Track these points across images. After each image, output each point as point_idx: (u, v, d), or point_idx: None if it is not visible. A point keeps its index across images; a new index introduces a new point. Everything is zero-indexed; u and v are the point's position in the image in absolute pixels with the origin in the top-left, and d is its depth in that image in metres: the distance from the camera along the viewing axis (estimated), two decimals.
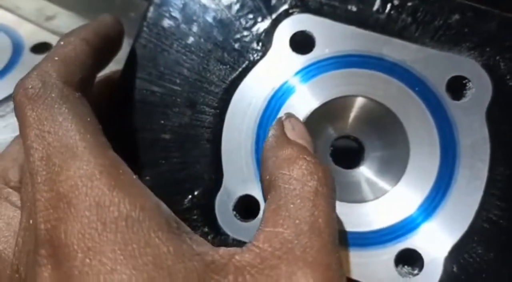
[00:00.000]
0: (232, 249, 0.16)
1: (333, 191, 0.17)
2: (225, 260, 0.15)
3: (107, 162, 0.16)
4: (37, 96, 0.17)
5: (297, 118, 0.20)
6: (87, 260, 0.14)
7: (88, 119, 0.17)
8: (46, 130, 0.16)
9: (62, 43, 0.20)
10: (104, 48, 0.21)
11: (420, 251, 0.20)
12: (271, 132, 0.19)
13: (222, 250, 0.16)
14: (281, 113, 0.22)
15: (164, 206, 0.16)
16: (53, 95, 0.17)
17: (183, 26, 0.23)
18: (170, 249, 0.14)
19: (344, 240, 0.20)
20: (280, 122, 0.20)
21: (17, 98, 0.17)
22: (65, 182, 0.15)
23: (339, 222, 0.21)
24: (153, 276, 0.14)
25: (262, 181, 0.18)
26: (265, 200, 0.17)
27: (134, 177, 0.16)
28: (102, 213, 0.14)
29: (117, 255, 0.14)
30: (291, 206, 0.16)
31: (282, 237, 0.15)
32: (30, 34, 0.35)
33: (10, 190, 0.20)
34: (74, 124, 0.16)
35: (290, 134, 0.19)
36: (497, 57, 0.21)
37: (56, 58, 0.18)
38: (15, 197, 0.20)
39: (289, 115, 0.20)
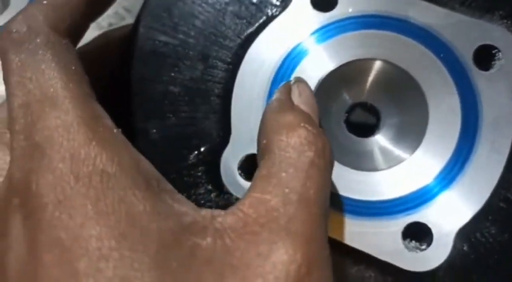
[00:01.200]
0: (215, 211, 0.15)
1: (331, 165, 0.16)
2: (206, 221, 0.14)
3: (87, 114, 0.15)
4: (21, 41, 0.16)
5: (306, 84, 0.19)
6: (57, 213, 0.13)
7: (73, 68, 0.17)
8: (27, 77, 0.16)
9: None
10: None
11: (430, 225, 0.19)
12: (276, 95, 0.19)
13: (205, 211, 0.15)
14: (295, 74, 0.21)
15: (145, 163, 0.16)
16: (37, 40, 0.16)
17: None
18: (146, 207, 0.14)
19: (350, 208, 0.19)
20: (288, 86, 0.19)
21: (1, 42, 0.17)
22: (41, 131, 0.15)
23: (347, 188, 0.20)
24: (125, 234, 0.13)
25: (258, 145, 0.17)
26: (258, 163, 0.16)
27: (116, 130, 0.16)
28: (76, 166, 0.14)
29: (88, 210, 0.13)
30: (283, 174, 0.15)
31: (268, 205, 0.15)
32: None
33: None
34: (56, 72, 0.16)
35: (295, 100, 0.18)
36: None
37: (44, 2, 0.18)
38: None
39: (299, 80, 0.19)
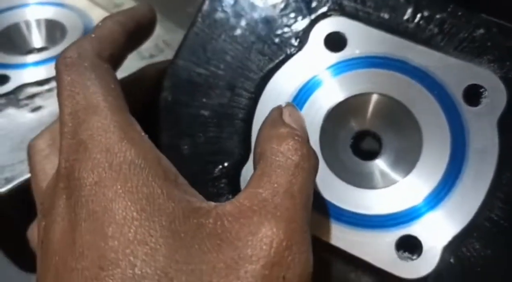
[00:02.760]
0: (217, 203, 0.18)
1: (314, 168, 0.19)
2: (210, 208, 0.18)
3: (121, 119, 0.19)
4: (73, 64, 0.20)
5: (295, 107, 0.23)
6: (93, 191, 0.17)
7: (112, 86, 0.21)
8: (76, 91, 0.19)
9: (100, 24, 0.23)
10: (136, 31, 0.24)
11: (420, 238, 0.22)
12: (269, 115, 0.22)
13: (210, 202, 0.18)
14: (308, 104, 0.24)
15: (166, 161, 0.19)
16: (85, 64, 0.20)
17: (232, 19, 0.26)
18: (163, 191, 0.17)
19: (352, 220, 0.22)
20: (279, 108, 0.22)
21: (57, 65, 0.21)
22: (85, 131, 0.18)
23: (349, 203, 0.23)
24: (145, 209, 0.16)
25: (254, 153, 0.21)
26: (254, 168, 0.20)
27: (143, 134, 0.20)
28: (110, 157, 0.17)
29: (117, 189, 0.17)
30: (273, 172, 0.18)
31: (260, 196, 0.18)
32: (100, 18, 0.39)
33: None
34: (99, 88, 0.20)
35: (286, 119, 0.21)
36: None
37: (93, 36, 0.22)
38: None
39: (289, 104, 0.23)
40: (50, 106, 0.32)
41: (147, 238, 0.16)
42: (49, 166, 0.22)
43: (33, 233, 0.24)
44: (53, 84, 0.34)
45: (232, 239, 0.17)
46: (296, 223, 0.17)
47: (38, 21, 0.41)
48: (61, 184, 0.18)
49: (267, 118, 0.22)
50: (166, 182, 0.18)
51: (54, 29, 0.40)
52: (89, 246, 0.16)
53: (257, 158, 0.20)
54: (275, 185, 0.18)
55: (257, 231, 0.17)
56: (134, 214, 0.16)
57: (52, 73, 0.35)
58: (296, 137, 0.19)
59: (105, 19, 0.24)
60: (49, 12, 0.41)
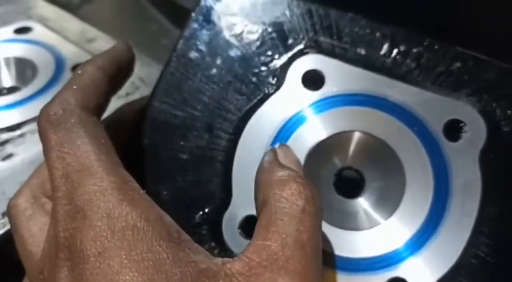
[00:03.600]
0: (225, 259, 0.18)
1: (320, 210, 0.19)
2: (217, 268, 0.17)
3: (118, 179, 0.18)
4: (58, 121, 0.19)
5: (288, 147, 0.22)
6: (98, 263, 0.16)
7: (102, 141, 0.20)
8: (65, 152, 0.19)
9: (79, 72, 0.22)
10: (117, 74, 0.23)
11: (408, 280, 0.21)
12: (265, 158, 0.21)
13: (216, 259, 0.18)
14: (289, 142, 0.24)
15: (167, 217, 0.18)
16: (72, 120, 0.19)
17: (207, 58, 0.26)
18: (169, 255, 0.17)
19: (337, 263, 0.22)
20: (274, 150, 0.22)
21: (41, 123, 0.20)
22: (81, 196, 0.17)
23: (333, 246, 0.22)
24: (153, 278, 0.16)
25: (256, 201, 0.20)
26: (257, 216, 0.19)
27: (142, 191, 0.19)
28: (111, 223, 0.17)
29: (122, 259, 0.16)
30: (280, 221, 0.18)
31: (269, 249, 0.17)
32: (72, 54, 0.38)
33: (47, 200, 0.22)
34: (90, 146, 0.19)
35: (282, 160, 0.21)
36: (493, 104, 0.23)
37: (75, 87, 0.21)
38: (50, 206, 0.23)
39: (282, 145, 0.23)
40: (22, 153, 0.31)
41: None
42: (35, 227, 0.21)
43: None
44: (25, 129, 0.33)
45: None
46: (310, 276, 0.17)
47: (7, 60, 0.40)
48: (61, 254, 0.17)
49: (262, 162, 0.21)
50: (171, 243, 0.17)
51: (24, 68, 0.39)
52: None
53: (260, 205, 0.19)
54: (284, 236, 0.17)
55: None
56: None
57: (24, 117, 0.34)
58: (298, 180, 0.19)
59: (84, 65, 0.23)
60: (19, 50, 0.40)
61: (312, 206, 0.18)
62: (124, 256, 0.16)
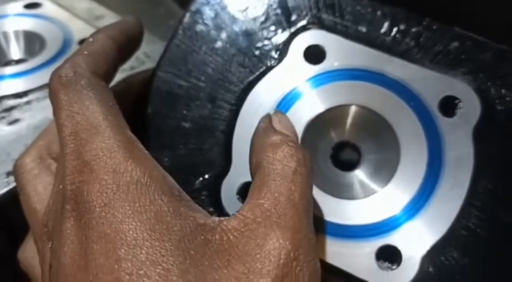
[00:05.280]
0: (222, 217, 0.18)
1: (311, 170, 0.20)
2: (215, 224, 0.18)
3: (124, 138, 0.19)
4: (69, 83, 0.20)
5: (283, 114, 0.23)
6: (103, 213, 0.17)
7: (110, 104, 0.20)
8: (75, 111, 0.19)
9: (91, 39, 0.23)
10: (127, 44, 0.24)
11: (399, 248, 0.22)
12: (260, 124, 0.22)
13: (214, 217, 0.18)
14: (288, 115, 0.24)
15: (169, 177, 0.19)
16: (82, 83, 0.20)
17: (213, 32, 0.26)
18: (170, 209, 0.17)
19: (331, 230, 0.23)
20: (269, 116, 0.23)
21: (52, 84, 0.20)
22: (89, 152, 0.18)
23: (329, 213, 0.23)
24: (154, 228, 0.17)
25: (250, 163, 0.21)
26: (252, 178, 0.20)
27: (146, 151, 0.20)
28: (117, 178, 0.17)
29: (126, 210, 0.17)
30: (272, 182, 0.18)
31: (262, 207, 0.18)
32: (80, 30, 0.39)
33: (52, 161, 0.24)
34: (98, 107, 0.19)
35: (276, 126, 0.22)
36: (488, 83, 0.24)
37: (86, 53, 0.22)
38: (55, 167, 0.23)
39: (277, 111, 0.23)
40: (28, 119, 0.32)
41: (159, 258, 0.16)
42: (40, 186, 0.22)
43: (26, 254, 0.23)
44: (31, 97, 0.34)
45: (240, 254, 0.17)
46: (301, 232, 0.17)
47: (16, 33, 0.41)
48: (67, 206, 0.18)
49: (258, 127, 0.22)
50: (172, 199, 0.18)
51: (33, 41, 0.40)
52: (102, 269, 0.16)
53: (254, 168, 0.20)
54: (276, 194, 0.18)
55: (264, 243, 0.17)
56: (145, 234, 0.16)
57: (31, 85, 0.35)
58: (290, 143, 0.20)
59: (96, 33, 0.24)
60: (28, 24, 0.41)
61: (303, 167, 0.19)
62: (128, 208, 0.17)
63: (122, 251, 0.16)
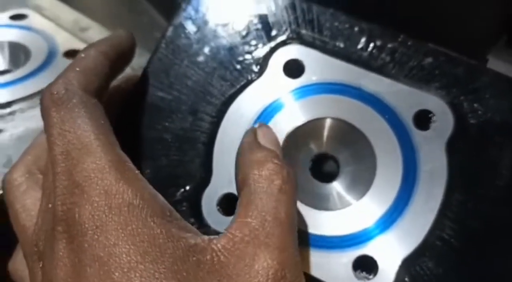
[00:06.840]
0: (212, 236, 0.19)
1: (295, 188, 0.20)
2: (205, 244, 0.18)
3: (115, 158, 0.19)
4: (61, 101, 0.20)
5: (268, 127, 0.24)
6: (96, 236, 0.17)
7: (102, 122, 0.21)
8: (66, 129, 0.19)
9: (83, 55, 0.23)
10: (118, 59, 0.24)
11: (375, 258, 0.23)
12: (245, 138, 0.23)
13: (204, 236, 0.19)
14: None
15: (160, 197, 0.19)
16: (74, 101, 0.20)
17: (195, 46, 0.27)
18: (162, 231, 0.18)
19: (310, 241, 0.23)
20: (254, 130, 0.23)
21: (44, 101, 0.20)
22: (80, 172, 0.18)
23: (307, 224, 0.23)
24: (147, 251, 0.17)
25: (236, 180, 0.21)
26: (238, 196, 0.20)
27: (137, 172, 0.20)
28: (109, 199, 0.18)
29: (119, 233, 0.17)
30: (259, 200, 0.19)
31: (250, 226, 0.18)
32: (65, 41, 0.39)
33: (41, 176, 0.23)
34: (90, 126, 0.20)
35: (261, 140, 0.22)
36: (461, 98, 0.25)
37: (78, 69, 0.22)
38: None
39: (261, 125, 0.24)
40: (11, 129, 0.32)
41: (153, 281, 0.16)
42: (29, 202, 0.22)
43: (16, 266, 0.23)
44: (15, 107, 0.34)
45: (231, 274, 0.17)
46: (288, 251, 0.18)
47: (1, 44, 0.41)
48: (59, 227, 0.18)
49: (242, 142, 0.22)
50: (163, 221, 0.18)
51: (17, 52, 0.40)
52: None
53: (240, 184, 0.21)
54: (263, 213, 0.18)
55: (253, 263, 0.17)
56: (138, 257, 0.17)
57: (15, 96, 0.35)
58: (275, 161, 0.20)
59: (87, 48, 0.24)
60: (13, 35, 0.41)
61: (288, 185, 0.20)
62: (120, 231, 0.17)
63: (116, 274, 0.16)
